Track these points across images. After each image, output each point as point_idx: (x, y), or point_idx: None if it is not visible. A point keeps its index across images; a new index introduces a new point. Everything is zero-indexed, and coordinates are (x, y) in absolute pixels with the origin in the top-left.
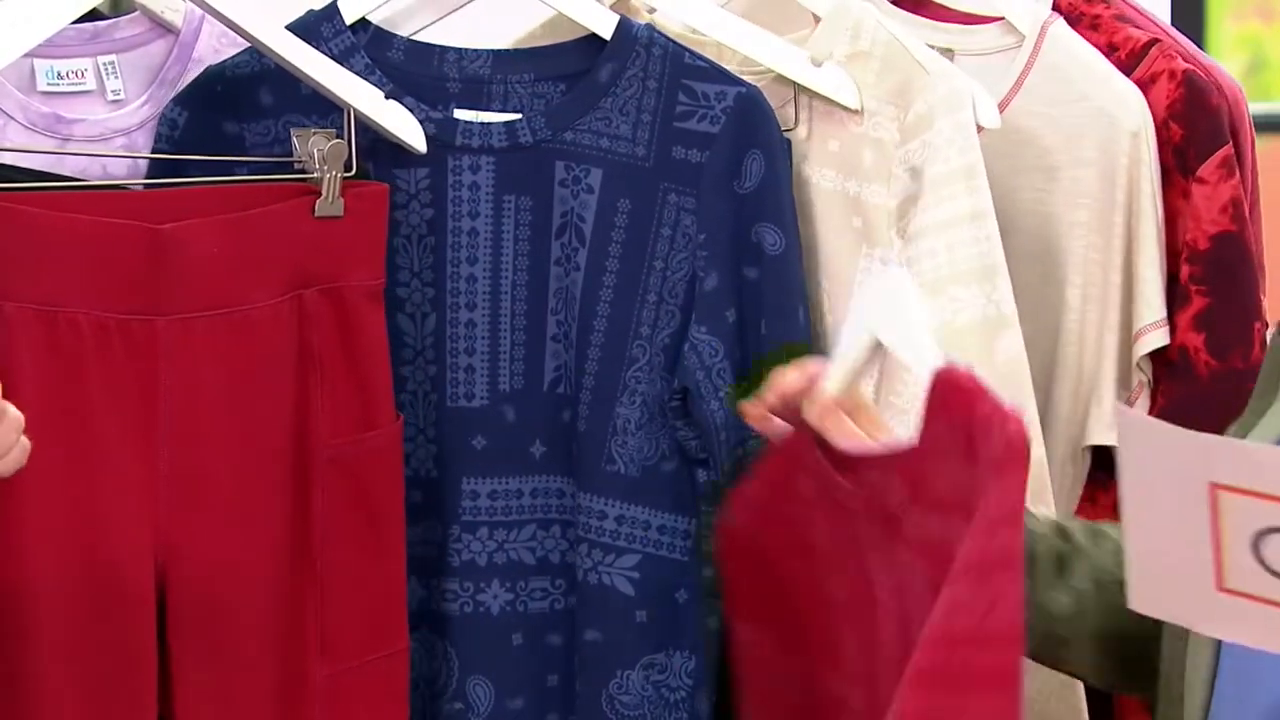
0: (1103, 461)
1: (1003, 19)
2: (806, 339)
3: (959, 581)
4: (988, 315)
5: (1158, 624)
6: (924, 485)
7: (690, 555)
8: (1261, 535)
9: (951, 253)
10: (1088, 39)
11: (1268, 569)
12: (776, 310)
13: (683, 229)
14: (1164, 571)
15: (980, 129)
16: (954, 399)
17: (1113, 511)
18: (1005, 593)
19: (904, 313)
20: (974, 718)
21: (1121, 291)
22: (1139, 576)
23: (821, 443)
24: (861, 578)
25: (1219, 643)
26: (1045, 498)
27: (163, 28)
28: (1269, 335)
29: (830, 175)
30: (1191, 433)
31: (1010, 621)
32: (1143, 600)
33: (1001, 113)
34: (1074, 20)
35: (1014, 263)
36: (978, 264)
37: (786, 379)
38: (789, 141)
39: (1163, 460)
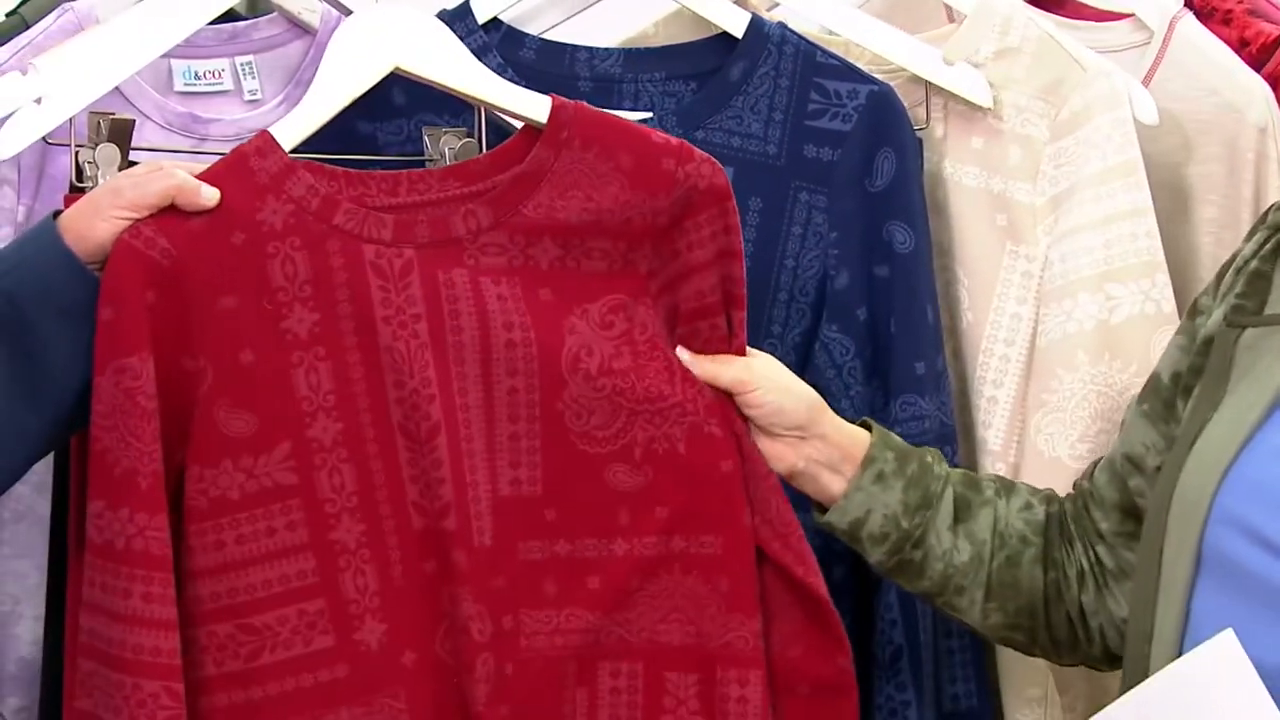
0: None
1: (1133, 15)
2: (935, 337)
3: None
4: (1146, 312)
5: (1048, 580)
6: (536, 211)
7: (820, 555)
8: None
9: (1109, 249)
10: (1218, 34)
11: None
12: (905, 309)
13: (814, 227)
14: None
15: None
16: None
17: None
18: None
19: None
20: None
21: None
22: None
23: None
24: (361, 309)
25: (1187, 607)
26: None
27: (300, 28)
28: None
29: (973, 172)
30: None
31: None
32: None
33: None
34: (1205, 15)
35: None
36: (1136, 260)
37: None
38: (920, 140)
39: None
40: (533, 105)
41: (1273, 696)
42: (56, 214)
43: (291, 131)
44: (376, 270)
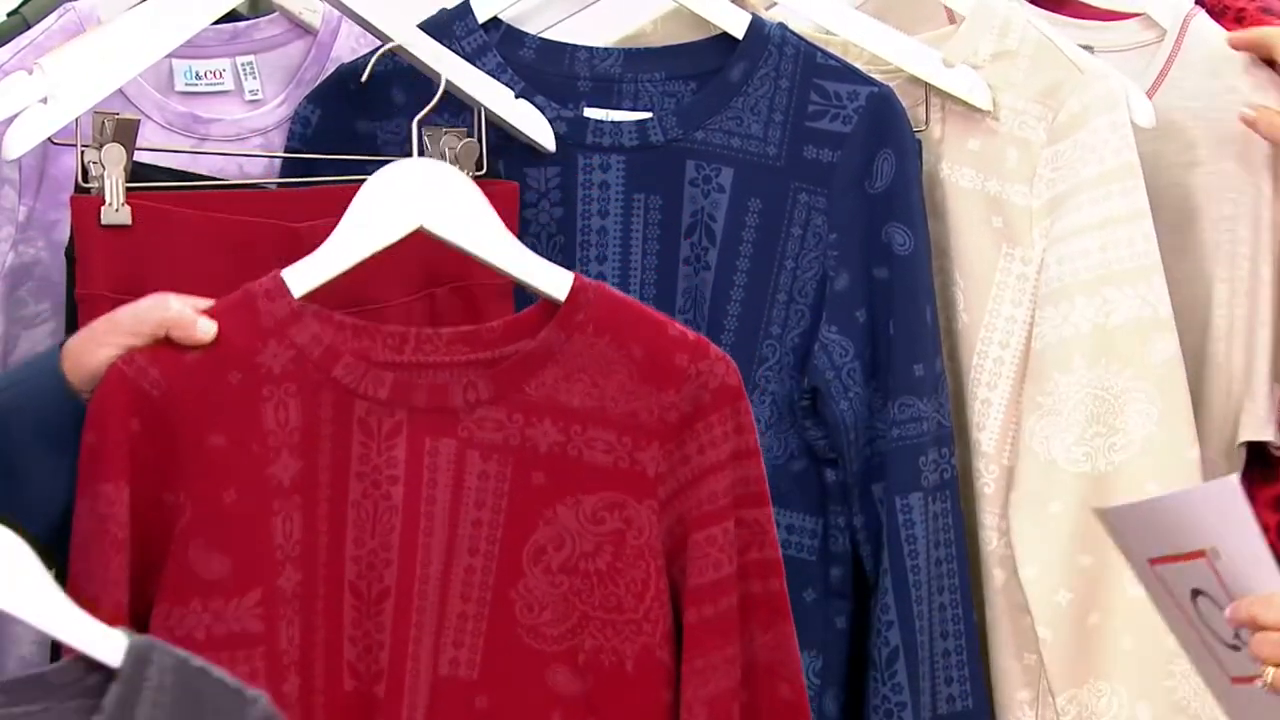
0: (1257, 457)
1: (1142, 14)
2: (934, 339)
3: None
4: (1142, 316)
5: None
6: (538, 391)
7: (817, 555)
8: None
9: (1105, 253)
10: (1232, 32)
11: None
12: (904, 311)
13: (813, 228)
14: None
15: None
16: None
17: (1268, 508)
18: None
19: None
20: None
21: (1273, 286)
22: None
23: (346, 324)
24: (338, 461)
25: None
26: None
27: (301, 28)
28: None
29: (969, 174)
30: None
31: None
32: None
33: None
34: (1218, 14)
35: None
36: (1133, 264)
37: None
38: (920, 141)
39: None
40: (553, 281)
41: None
42: (64, 342)
43: (305, 279)
44: (363, 427)
